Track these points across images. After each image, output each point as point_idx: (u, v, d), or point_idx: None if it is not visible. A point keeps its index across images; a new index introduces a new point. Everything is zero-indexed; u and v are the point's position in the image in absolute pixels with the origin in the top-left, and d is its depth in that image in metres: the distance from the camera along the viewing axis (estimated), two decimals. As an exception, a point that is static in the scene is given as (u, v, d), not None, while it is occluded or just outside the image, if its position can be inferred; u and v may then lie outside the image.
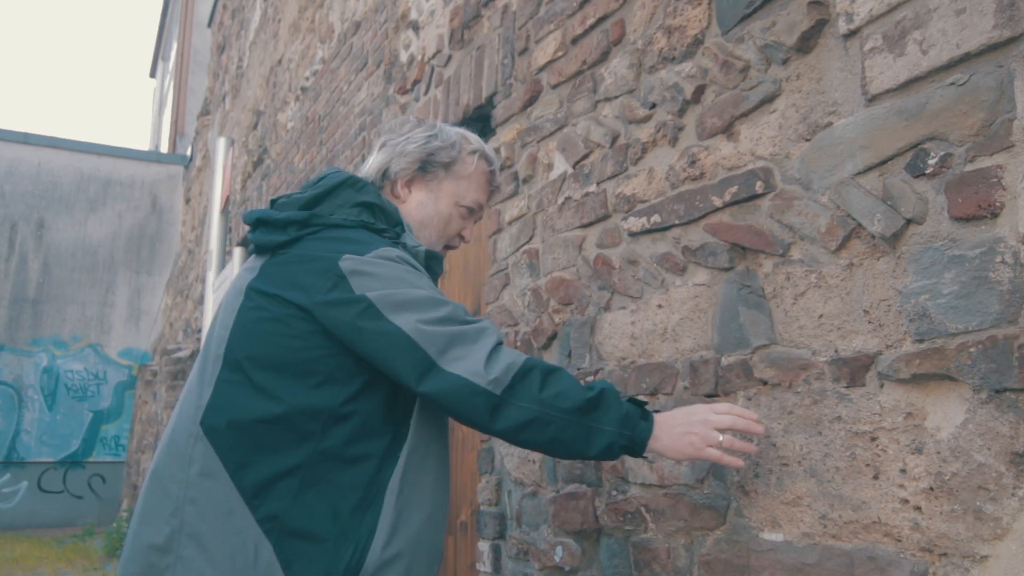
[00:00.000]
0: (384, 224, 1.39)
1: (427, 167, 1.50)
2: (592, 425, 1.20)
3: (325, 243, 1.32)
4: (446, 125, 1.56)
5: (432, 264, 1.42)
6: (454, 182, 1.52)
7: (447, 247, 1.57)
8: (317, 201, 1.39)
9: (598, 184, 1.88)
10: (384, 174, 1.50)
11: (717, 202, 1.52)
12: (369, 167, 1.53)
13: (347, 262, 1.25)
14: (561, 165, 2.04)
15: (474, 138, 1.57)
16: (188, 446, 1.24)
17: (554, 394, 1.19)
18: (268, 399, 1.23)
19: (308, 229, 1.34)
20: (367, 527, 1.21)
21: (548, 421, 1.19)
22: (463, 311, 1.28)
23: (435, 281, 1.42)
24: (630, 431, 1.23)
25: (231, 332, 1.29)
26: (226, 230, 4.40)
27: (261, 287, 1.31)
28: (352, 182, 1.42)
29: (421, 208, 1.50)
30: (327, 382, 1.24)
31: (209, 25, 9.80)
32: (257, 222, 1.40)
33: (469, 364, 1.19)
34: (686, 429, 1.25)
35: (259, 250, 1.38)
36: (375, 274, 1.25)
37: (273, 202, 1.44)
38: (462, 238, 1.57)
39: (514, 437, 1.23)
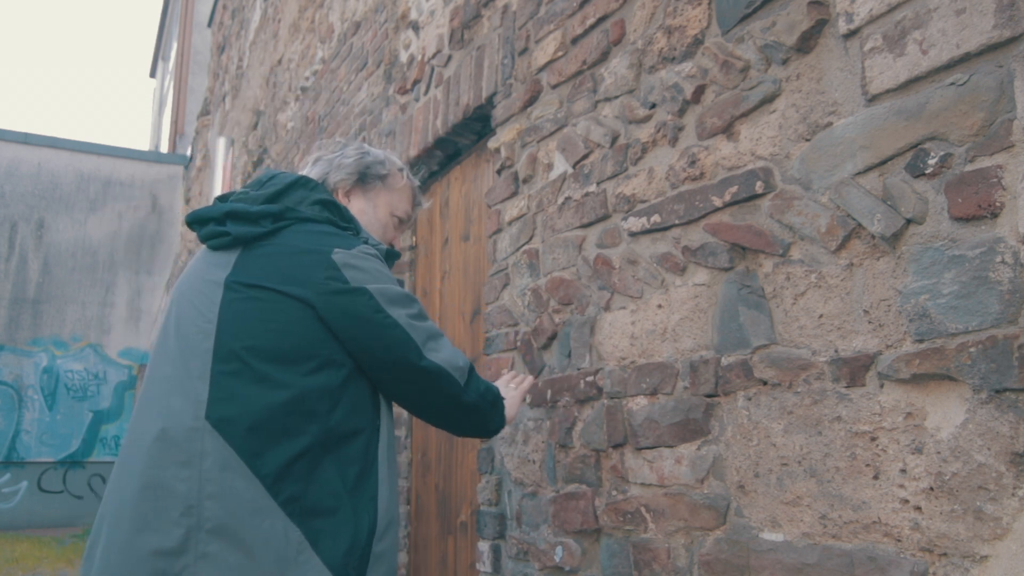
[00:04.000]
0: (344, 222, 1.49)
1: (365, 178, 1.66)
2: (493, 415, 1.56)
3: (309, 236, 1.40)
4: (369, 146, 1.75)
5: (389, 261, 1.54)
6: (388, 193, 1.70)
7: None
8: (276, 198, 1.45)
9: (598, 184, 1.88)
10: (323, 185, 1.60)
11: (717, 202, 1.52)
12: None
13: (338, 255, 1.36)
14: (561, 165, 2.04)
15: (396, 157, 1.76)
16: (193, 442, 1.23)
17: (483, 389, 1.53)
18: (274, 386, 1.27)
19: (283, 222, 1.41)
20: (369, 494, 1.32)
21: (480, 409, 1.52)
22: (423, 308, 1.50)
23: None
24: (504, 418, 1.62)
25: (219, 325, 1.32)
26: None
27: (245, 280, 1.35)
28: (304, 181, 1.50)
29: (362, 215, 1.65)
30: (325, 365, 1.32)
31: (209, 25, 9.81)
32: (226, 215, 1.42)
33: (446, 357, 1.44)
34: (512, 402, 1.73)
35: (233, 243, 1.41)
36: (364, 268, 1.38)
37: (222, 199, 1.48)
38: (392, 247, 1.72)
39: (455, 410, 1.49)
